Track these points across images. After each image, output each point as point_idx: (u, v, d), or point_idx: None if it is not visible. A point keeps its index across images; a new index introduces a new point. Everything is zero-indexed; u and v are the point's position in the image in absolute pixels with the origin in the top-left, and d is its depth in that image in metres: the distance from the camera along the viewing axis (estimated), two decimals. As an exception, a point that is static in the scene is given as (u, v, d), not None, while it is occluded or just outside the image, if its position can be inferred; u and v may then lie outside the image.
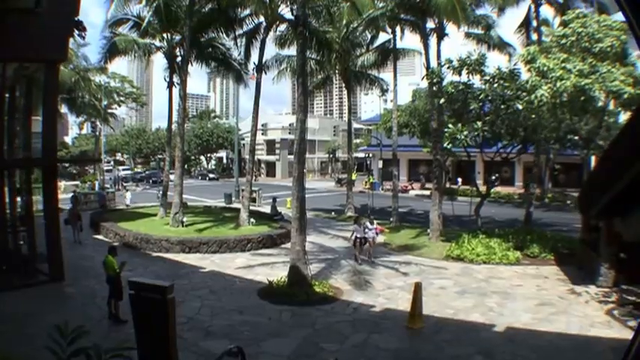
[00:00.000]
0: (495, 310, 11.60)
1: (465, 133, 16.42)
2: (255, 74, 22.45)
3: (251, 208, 26.02)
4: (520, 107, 15.16)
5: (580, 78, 13.87)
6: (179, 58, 22.54)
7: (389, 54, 26.55)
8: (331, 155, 70.21)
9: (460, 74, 16.86)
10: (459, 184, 42.02)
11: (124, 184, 46.15)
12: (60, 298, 12.62)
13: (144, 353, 6.56)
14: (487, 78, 16.59)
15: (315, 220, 26.58)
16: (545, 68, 14.16)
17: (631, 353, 1.88)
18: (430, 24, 21.78)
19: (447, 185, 38.20)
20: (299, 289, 12.60)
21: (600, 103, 17.57)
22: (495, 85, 16.04)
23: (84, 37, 13.57)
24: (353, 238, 16.54)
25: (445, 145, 16.97)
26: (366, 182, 48.43)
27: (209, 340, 9.68)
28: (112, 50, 22.09)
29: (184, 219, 20.83)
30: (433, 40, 21.26)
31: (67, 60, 15.23)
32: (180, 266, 16.14)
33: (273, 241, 19.41)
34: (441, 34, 22.52)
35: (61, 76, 28.96)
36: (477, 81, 17.33)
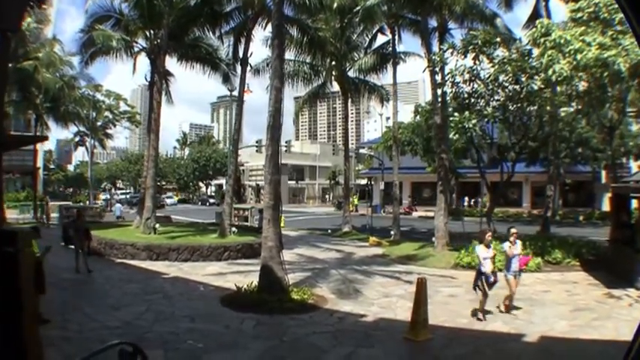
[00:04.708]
0: (522, 318, 9.12)
1: (474, 121, 14.30)
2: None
3: (241, 223, 23.99)
4: (535, 87, 13.08)
5: (602, 51, 11.84)
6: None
7: (388, 58, 24.89)
8: (332, 181, 68.02)
9: (465, 56, 14.92)
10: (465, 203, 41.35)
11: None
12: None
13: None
14: (496, 61, 14.64)
15: (308, 237, 25.44)
16: (562, 40, 12.14)
17: (633, 351, 1.70)
18: (431, 21, 20.37)
19: (454, 206, 36.28)
20: (271, 294, 10.14)
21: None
22: (506, 65, 14.04)
23: (40, 7, 11.86)
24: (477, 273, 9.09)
25: (451, 135, 14.79)
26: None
27: (139, 349, 7.28)
28: (90, 46, 20.34)
29: (157, 225, 18.50)
30: (435, 47, 19.60)
31: (18, 31, 13.37)
32: (140, 272, 13.84)
33: (253, 250, 16.97)
34: (443, 31, 20.89)
35: (46, 83, 27.63)
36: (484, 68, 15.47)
